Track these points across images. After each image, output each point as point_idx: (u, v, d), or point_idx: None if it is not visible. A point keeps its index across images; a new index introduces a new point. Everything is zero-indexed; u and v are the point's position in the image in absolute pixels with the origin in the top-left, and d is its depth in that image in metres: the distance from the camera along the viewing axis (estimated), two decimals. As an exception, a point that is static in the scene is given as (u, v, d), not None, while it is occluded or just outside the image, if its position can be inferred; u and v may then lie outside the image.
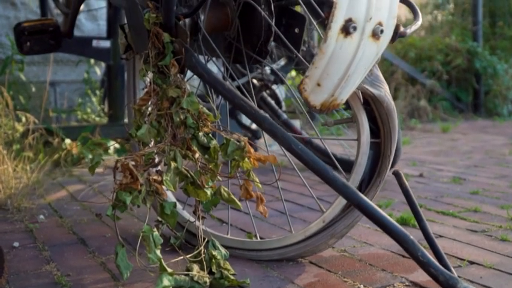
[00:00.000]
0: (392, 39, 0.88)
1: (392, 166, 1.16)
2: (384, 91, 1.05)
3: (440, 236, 1.35)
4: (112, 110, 2.89)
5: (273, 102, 2.55)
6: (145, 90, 1.11)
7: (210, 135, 1.07)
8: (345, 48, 0.83)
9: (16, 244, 1.32)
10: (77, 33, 1.99)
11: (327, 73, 0.85)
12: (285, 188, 1.98)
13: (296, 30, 1.17)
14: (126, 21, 1.20)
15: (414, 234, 1.34)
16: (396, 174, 1.10)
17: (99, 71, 3.30)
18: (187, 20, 1.11)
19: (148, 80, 1.11)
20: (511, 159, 2.65)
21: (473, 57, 5.45)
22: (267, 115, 1.02)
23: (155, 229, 1.04)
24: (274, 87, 2.52)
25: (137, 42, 1.15)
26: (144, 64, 1.12)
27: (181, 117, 1.06)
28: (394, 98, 5.17)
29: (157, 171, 1.06)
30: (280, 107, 2.62)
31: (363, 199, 0.97)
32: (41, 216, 1.57)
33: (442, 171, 2.34)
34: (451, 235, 1.36)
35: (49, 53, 1.93)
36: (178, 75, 1.07)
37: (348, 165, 2.30)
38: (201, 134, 1.05)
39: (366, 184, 1.13)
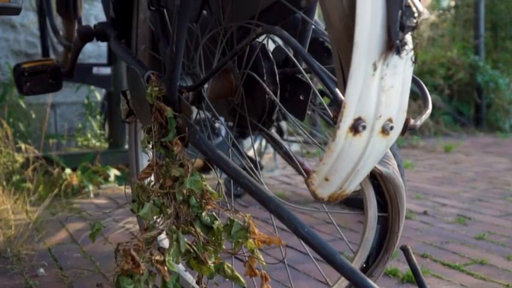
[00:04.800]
0: (402, 133, 0.86)
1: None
2: (391, 168, 1.03)
3: (447, 299, 1.33)
4: (112, 137, 2.87)
5: (275, 133, 2.56)
6: (148, 163, 1.09)
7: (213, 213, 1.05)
8: (354, 146, 0.81)
9: (15, 309, 1.30)
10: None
11: (335, 169, 0.83)
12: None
13: (301, 97, 1.15)
14: (127, 87, 1.17)
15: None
16: (404, 250, 1.08)
17: (99, 95, 3.28)
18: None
19: (150, 153, 1.09)
20: (515, 190, 2.63)
21: (475, 71, 5.43)
22: (273, 195, 0.99)
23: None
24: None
25: (140, 114, 1.12)
26: (147, 135, 1.09)
27: (184, 192, 1.04)
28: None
29: (159, 249, 1.04)
30: (282, 137, 2.63)
31: (372, 286, 0.95)
32: (41, 270, 1.54)
33: (446, 206, 2.31)
34: (458, 297, 1.34)
35: (49, 92, 1.91)
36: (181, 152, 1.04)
37: (354, 201, 2.30)
38: (204, 213, 1.03)
39: (373, 259, 1.11)
